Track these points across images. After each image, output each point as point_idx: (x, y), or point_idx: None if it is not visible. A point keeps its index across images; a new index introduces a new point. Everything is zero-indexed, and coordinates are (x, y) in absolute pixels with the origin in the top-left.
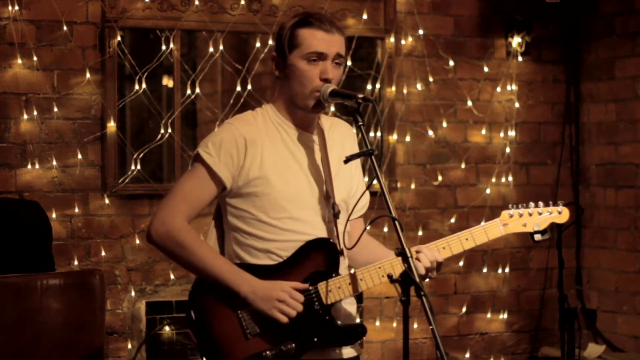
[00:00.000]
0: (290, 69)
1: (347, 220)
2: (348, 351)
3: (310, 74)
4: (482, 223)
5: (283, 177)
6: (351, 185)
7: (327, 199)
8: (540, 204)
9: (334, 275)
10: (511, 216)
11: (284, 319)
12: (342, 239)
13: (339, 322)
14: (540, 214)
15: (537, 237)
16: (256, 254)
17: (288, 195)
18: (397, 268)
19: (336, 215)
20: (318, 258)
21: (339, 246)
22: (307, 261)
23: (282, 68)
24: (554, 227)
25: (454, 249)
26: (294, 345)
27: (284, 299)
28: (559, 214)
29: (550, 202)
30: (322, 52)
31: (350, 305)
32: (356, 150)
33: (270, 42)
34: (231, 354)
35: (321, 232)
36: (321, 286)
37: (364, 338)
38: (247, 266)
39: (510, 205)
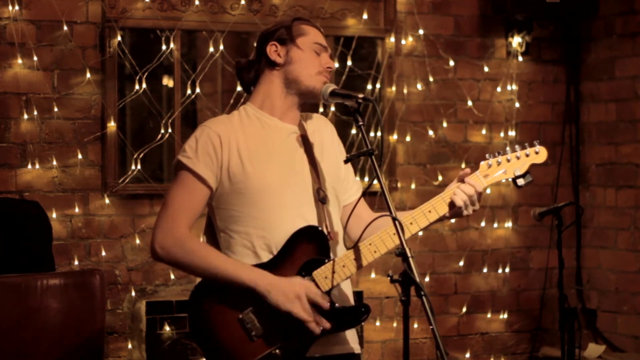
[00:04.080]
0: (298, 51)
1: (353, 209)
2: (356, 346)
3: (315, 61)
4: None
5: (264, 167)
6: (338, 169)
7: (312, 184)
8: (517, 147)
9: (326, 261)
10: (490, 166)
11: (312, 325)
12: (344, 227)
13: (340, 306)
14: (518, 158)
15: (520, 181)
16: (248, 253)
17: (272, 185)
18: (388, 241)
19: (322, 200)
20: (308, 247)
21: (327, 231)
22: (297, 252)
23: (286, 53)
24: (554, 228)
25: (440, 210)
26: (300, 338)
27: (307, 296)
28: (537, 154)
29: (527, 144)
30: (325, 46)
31: (347, 288)
32: (335, 134)
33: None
34: (240, 358)
35: (311, 217)
36: (316, 274)
37: (364, 338)
38: None
39: (487, 155)
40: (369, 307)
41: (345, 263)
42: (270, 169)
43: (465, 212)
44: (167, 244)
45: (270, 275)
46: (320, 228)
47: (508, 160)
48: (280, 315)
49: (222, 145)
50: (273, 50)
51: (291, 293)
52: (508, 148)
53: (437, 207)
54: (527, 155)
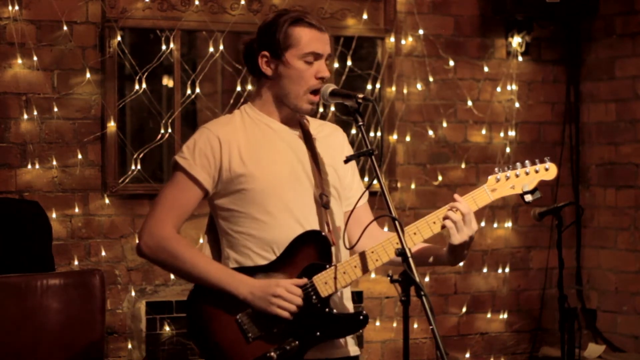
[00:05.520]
0: (285, 68)
1: (351, 212)
2: (354, 349)
3: (306, 74)
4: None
5: (267, 169)
6: (344, 175)
7: (315, 187)
8: (527, 162)
9: (327, 266)
10: (498, 180)
11: (285, 314)
12: (344, 230)
13: (339, 313)
14: (527, 173)
15: (528, 197)
16: (249, 253)
17: (275, 186)
18: (390, 250)
19: (325, 205)
20: (309, 251)
21: (330, 236)
22: (298, 256)
23: (275, 67)
24: (554, 228)
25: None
26: (297, 342)
27: (280, 294)
28: (546, 170)
29: (537, 160)
30: (318, 53)
31: (346, 295)
32: (347, 144)
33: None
34: (236, 359)
35: (313, 221)
36: (316, 279)
37: (364, 338)
38: (240, 269)
39: (496, 169)
40: (368, 316)
41: (346, 270)
42: (273, 170)
43: (457, 237)
44: (152, 243)
45: (251, 281)
46: (323, 233)
47: (517, 176)
48: (275, 318)
49: (222, 147)
50: (264, 62)
51: (269, 295)
52: (518, 163)
53: (441, 216)
54: (537, 172)
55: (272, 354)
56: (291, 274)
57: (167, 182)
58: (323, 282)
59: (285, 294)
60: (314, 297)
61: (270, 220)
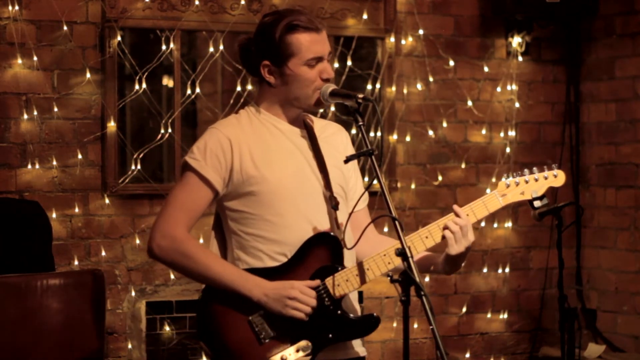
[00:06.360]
0: (289, 76)
1: (350, 214)
2: (361, 349)
3: (311, 76)
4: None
5: (278, 171)
6: (349, 176)
7: (324, 188)
8: (535, 169)
9: (339, 268)
10: (508, 186)
11: (301, 315)
12: (343, 230)
13: (351, 315)
14: (536, 180)
15: (537, 203)
16: (260, 255)
17: (286, 189)
18: None
19: (335, 207)
20: (321, 253)
21: (341, 238)
22: (310, 258)
23: (278, 75)
24: (554, 228)
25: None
26: (309, 344)
27: (295, 296)
28: (555, 177)
29: (545, 167)
30: (320, 56)
31: (354, 298)
32: (350, 144)
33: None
34: None
35: (323, 222)
36: (329, 281)
37: (364, 338)
38: (251, 270)
39: (505, 175)
40: (379, 318)
41: (359, 272)
42: (283, 171)
43: (455, 248)
44: (164, 244)
45: (264, 282)
46: (333, 234)
47: (526, 182)
48: (288, 320)
49: (233, 148)
50: (267, 72)
51: (284, 297)
52: (526, 170)
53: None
54: (546, 178)
55: (285, 355)
56: (303, 276)
57: (177, 183)
58: (335, 284)
59: (300, 295)
60: (326, 299)
61: (281, 222)
